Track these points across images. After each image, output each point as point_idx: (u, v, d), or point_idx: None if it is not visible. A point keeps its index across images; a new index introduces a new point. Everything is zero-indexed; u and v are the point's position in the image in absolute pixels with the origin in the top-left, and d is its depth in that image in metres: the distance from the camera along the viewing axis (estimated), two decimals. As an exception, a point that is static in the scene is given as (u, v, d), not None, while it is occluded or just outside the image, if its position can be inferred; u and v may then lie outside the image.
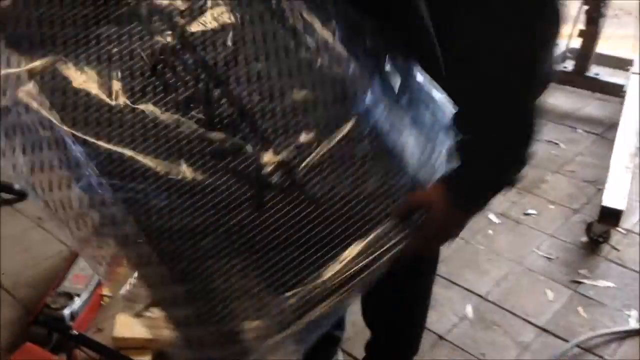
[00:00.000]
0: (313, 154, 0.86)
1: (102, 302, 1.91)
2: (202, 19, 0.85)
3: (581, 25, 3.13)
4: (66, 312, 1.76)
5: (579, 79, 3.25)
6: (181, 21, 0.85)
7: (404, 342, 1.51)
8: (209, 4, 0.85)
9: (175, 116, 0.84)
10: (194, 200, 0.85)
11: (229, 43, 0.84)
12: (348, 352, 1.77)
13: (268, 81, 0.85)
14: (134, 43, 0.85)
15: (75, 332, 1.73)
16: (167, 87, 0.84)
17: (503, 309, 1.98)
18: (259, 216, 0.87)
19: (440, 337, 1.86)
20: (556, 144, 2.91)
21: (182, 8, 0.85)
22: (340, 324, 1.64)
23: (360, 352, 1.62)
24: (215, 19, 0.85)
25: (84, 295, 1.84)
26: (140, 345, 1.75)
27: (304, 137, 0.86)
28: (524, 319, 1.93)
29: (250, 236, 0.88)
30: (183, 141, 0.84)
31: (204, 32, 0.85)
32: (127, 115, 0.84)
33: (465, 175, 0.92)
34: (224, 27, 0.85)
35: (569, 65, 3.26)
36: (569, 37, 3.15)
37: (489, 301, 2.01)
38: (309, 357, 1.65)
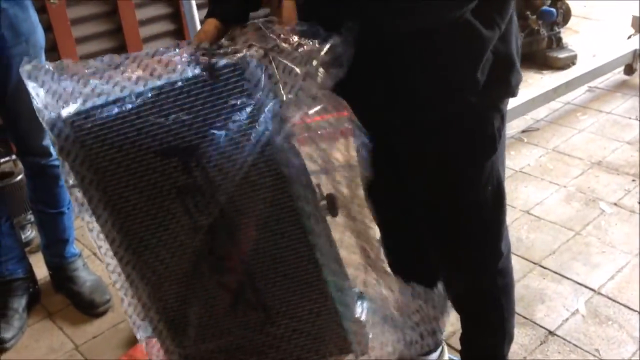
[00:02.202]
0: None
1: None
2: None
3: None
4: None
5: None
6: None
7: (490, 327, 1.47)
8: None
9: None
10: None
11: None
12: (453, 347, 1.75)
13: None
14: None
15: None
16: None
17: (618, 302, 1.88)
18: None
19: (550, 333, 1.80)
20: (673, 125, 2.73)
21: None
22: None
23: (465, 347, 1.60)
24: None
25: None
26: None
27: None
28: (641, 314, 1.84)
29: None
30: None
31: None
32: None
33: None
34: None
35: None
36: None
37: (602, 295, 1.92)
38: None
